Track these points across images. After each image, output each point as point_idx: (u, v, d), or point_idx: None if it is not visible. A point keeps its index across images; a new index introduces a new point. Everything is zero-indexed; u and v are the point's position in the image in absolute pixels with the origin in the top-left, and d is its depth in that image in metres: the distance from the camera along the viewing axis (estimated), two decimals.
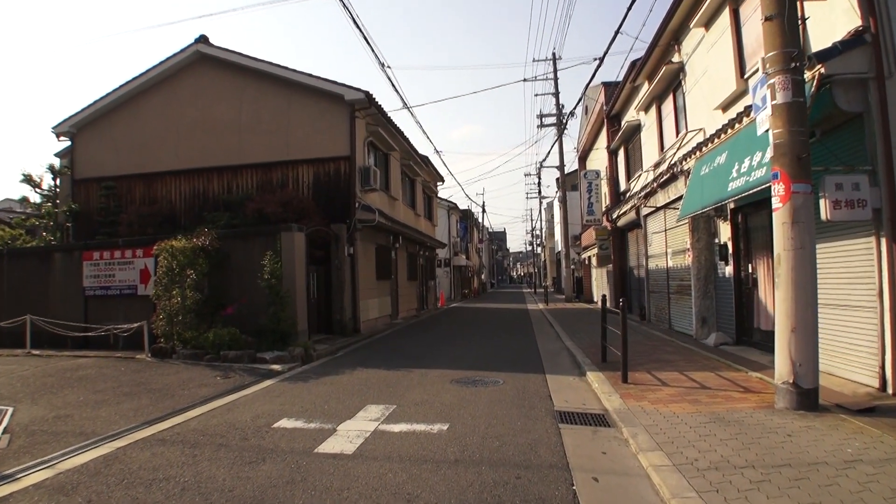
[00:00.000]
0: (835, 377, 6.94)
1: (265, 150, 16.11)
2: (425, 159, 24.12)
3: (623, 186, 20.29)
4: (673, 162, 12.40)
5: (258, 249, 11.91)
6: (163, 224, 15.76)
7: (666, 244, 13.94)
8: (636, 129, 17.63)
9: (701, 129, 11.73)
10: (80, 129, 17.81)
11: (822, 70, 6.42)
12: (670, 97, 14.16)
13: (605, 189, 22.98)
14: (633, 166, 19.01)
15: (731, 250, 10.62)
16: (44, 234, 17.09)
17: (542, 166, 35.03)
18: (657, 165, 14.74)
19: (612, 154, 21.31)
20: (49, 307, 13.84)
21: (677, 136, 13.55)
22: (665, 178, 12.68)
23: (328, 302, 14.87)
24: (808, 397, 5.76)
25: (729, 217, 10.65)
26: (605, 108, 21.20)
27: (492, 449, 4.97)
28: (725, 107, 10.52)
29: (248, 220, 14.18)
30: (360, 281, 15.64)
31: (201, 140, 16.61)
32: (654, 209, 14.23)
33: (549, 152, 68.86)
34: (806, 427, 5.20)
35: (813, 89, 6.41)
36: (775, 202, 5.96)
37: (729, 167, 8.71)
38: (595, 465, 4.59)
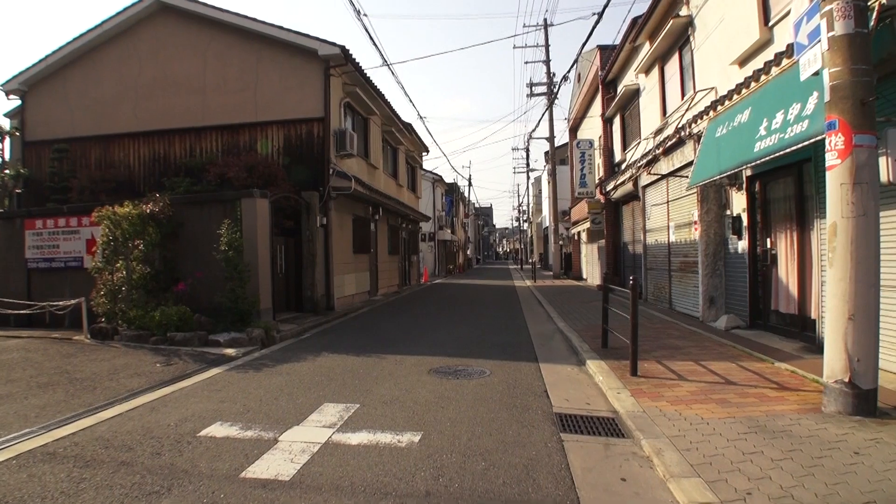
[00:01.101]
0: (886, 372, 5.83)
1: (231, 110, 14.70)
2: (409, 127, 22.71)
3: (618, 157, 19.07)
4: (681, 125, 11.18)
5: (216, 218, 10.58)
6: (118, 190, 14.33)
7: (668, 217, 12.78)
8: (635, 94, 16.38)
9: (712, 89, 10.53)
10: (31, 87, 16.29)
11: (884, 0, 5.22)
12: (675, 56, 12.91)
13: (598, 160, 21.75)
14: (630, 135, 17.79)
15: (745, 223, 9.47)
16: None
17: (531, 137, 33.64)
18: (659, 132, 13.54)
19: (607, 122, 20.06)
20: None
21: (683, 98, 12.35)
22: (671, 143, 11.45)
23: (298, 277, 13.61)
24: (866, 400, 4.66)
25: (744, 186, 9.49)
26: (600, 73, 19.89)
27: (476, 474, 3.78)
28: (744, 60, 9.31)
29: (210, 187, 12.83)
30: (334, 254, 14.37)
31: (162, 100, 15.16)
32: (656, 179, 13.03)
33: (538, 123, 67.21)
34: (873, 441, 4.08)
35: (872, 23, 5.20)
36: (831, 159, 4.77)
37: (754, 125, 7.51)
38: (614, 502, 3.43)
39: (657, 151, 12.29)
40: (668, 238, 12.84)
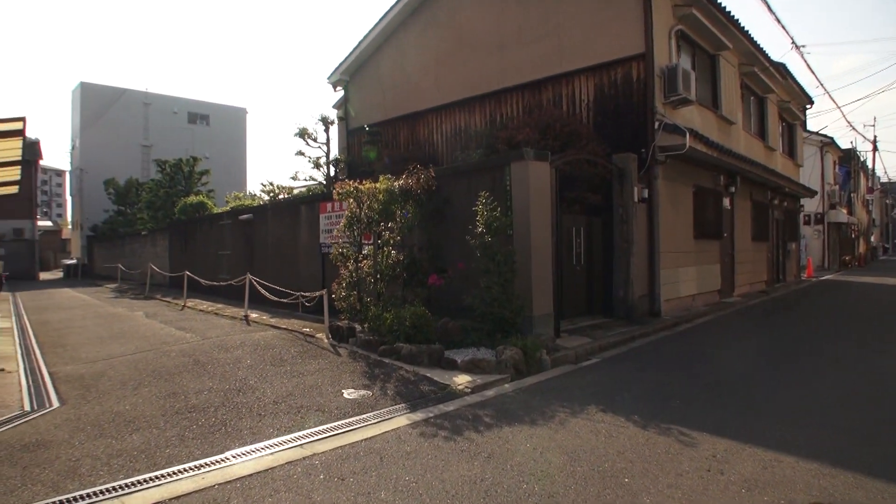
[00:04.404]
0: None
1: (532, 64, 12.10)
2: (780, 68, 16.78)
3: None
4: None
5: (483, 191, 7.92)
6: None
7: None
8: None
9: None
10: (352, 76, 16.56)
11: None
12: None
13: None
14: None
15: None
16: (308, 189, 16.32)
17: None
18: None
19: None
20: (299, 264, 12.54)
21: None
22: None
23: (607, 271, 10.16)
24: None
25: None
26: None
27: None
28: None
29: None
30: (661, 240, 10.51)
31: (461, 66, 13.58)
32: None
33: None
34: None
35: None
36: None
37: None
38: None
39: None
40: None
